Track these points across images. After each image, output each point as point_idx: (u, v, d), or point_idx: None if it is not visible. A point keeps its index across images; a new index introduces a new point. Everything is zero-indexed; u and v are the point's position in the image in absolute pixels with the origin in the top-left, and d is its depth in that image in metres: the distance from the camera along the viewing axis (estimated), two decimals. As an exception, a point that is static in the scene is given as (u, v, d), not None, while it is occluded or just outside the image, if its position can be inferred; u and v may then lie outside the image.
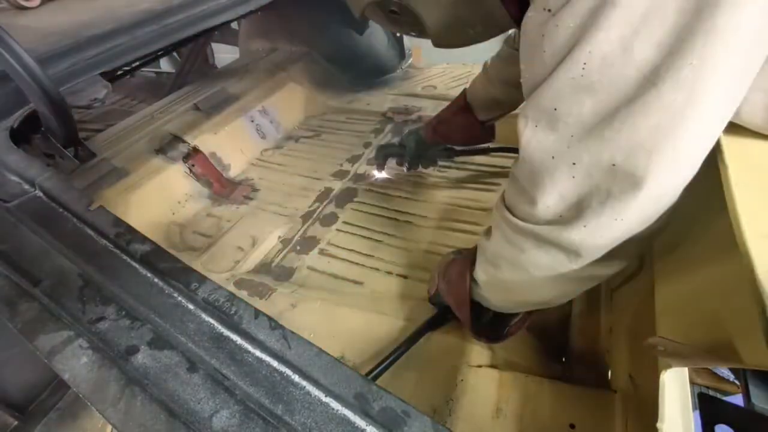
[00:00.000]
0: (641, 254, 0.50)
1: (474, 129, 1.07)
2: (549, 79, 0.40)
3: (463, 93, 1.08)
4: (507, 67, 0.95)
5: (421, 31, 0.66)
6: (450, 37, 0.66)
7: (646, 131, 0.37)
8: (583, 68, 0.37)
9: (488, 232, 0.60)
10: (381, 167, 1.26)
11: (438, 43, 0.67)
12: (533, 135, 0.43)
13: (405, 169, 1.22)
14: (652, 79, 0.35)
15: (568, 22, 0.37)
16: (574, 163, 0.41)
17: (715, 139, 0.39)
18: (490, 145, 1.17)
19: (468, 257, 0.68)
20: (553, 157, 0.42)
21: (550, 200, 0.44)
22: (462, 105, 1.06)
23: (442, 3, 0.60)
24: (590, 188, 0.41)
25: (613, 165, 0.39)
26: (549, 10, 0.38)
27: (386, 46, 1.70)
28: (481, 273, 0.63)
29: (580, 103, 0.39)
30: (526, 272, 0.53)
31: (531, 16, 0.41)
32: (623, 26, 0.34)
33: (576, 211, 0.43)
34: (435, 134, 1.13)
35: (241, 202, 1.25)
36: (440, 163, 1.26)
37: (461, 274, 0.68)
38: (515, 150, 1.33)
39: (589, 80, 0.37)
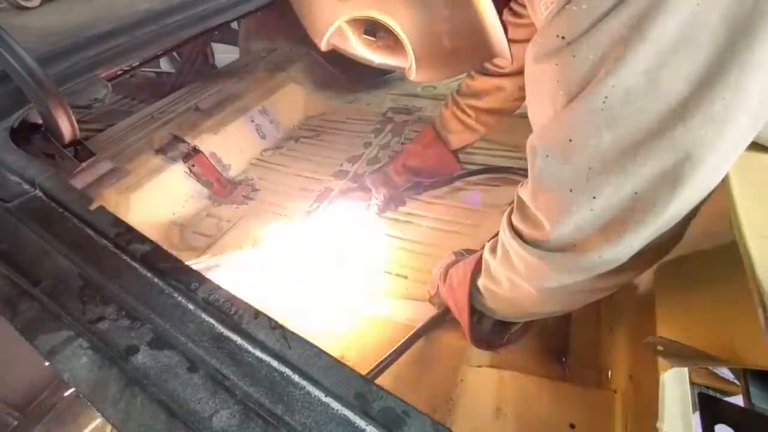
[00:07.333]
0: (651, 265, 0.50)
1: (446, 159, 1.06)
2: (564, 110, 0.39)
3: (431, 125, 1.05)
4: (478, 92, 0.94)
5: (398, 58, 0.56)
6: (432, 64, 0.57)
7: (671, 165, 0.36)
8: (605, 101, 0.35)
9: (494, 250, 0.58)
10: (349, 212, 1.14)
11: (418, 74, 0.57)
12: (546, 166, 0.42)
13: (374, 213, 1.12)
14: (680, 113, 0.34)
15: (587, 53, 0.35)
16: (594, 197, 0.40)
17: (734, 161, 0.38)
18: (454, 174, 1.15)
19: (470, 263, 0.67)
20: (571, 190, 0.41)
21: (565, 230, 0.43)
22: (432, 136, 1.04)
23: (427, 17, 0.51)
24: (608, 220, 0.41)
25: (635, 194, 0.38)
26: (563, 38, 0.36)
27: (386, 46, 1.69)
28: (484, 287, 0.63)
29: (599, 135, 0.37)
30: (532, 291, 0.52)
31: (540, 43, 0.39)
32: (651, 59, 0.33)
33: (592, 242, 0.43)
34: (405, 170, 1.08)
35: (241, 202, 1.25)
36: (408, 201, 1.16)
37: (462, 280, 0.68)
38: (483, 171, 1.31)
39: (610, 113, 0.36)
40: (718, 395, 0.70)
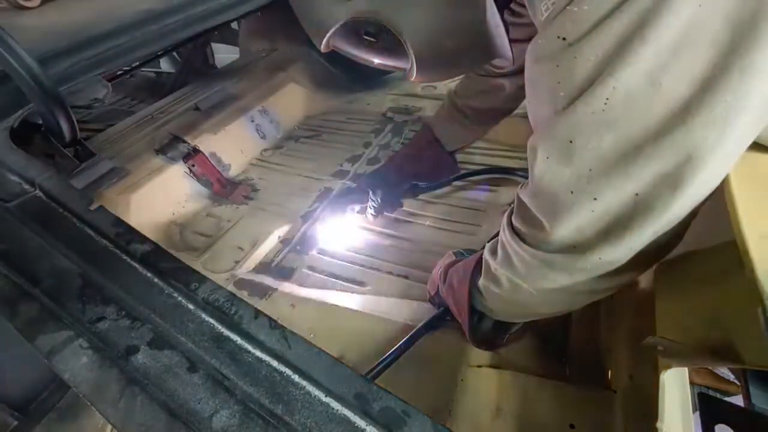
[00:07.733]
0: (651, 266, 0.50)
1: (444, 160, 1.05)
2: (565, 111, 0.38)
3: (428, 126, 1.04)
4: (476, 92, 0.93)
5: (398, 59, 0.55)
6: (433, 65, 0.56)
7: (672, 167, 0.36)
8: (606, 103, 0.35)
9: (494, 251, 0.58)
10: (342, 217, 1.13)
11: (418, 75, 0.56)
12: (547, 168, 0.42)
13: (371, 216, 1.09)
14: (681, 115, 0.34)
15: (588, 55, 0.35)
16: (595, 199, 0.40)
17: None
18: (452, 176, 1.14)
19: (470, 264, 0.67)
20: (572, 192, 0.41)
21: (566, 232, 0.43)
22: (429, 138, 1.03)
23: (428, 18, 0.51)
24: (609, 222, 0.41)
25: (636, 196, 0.38)
26: (564, 39, 0.36)
27: (386, 46, 1.69)
28: (484, 287, 0.62)
29: (600, 137, 0.37)
30: (532, 291, 0.52)
31: (541, 44, 0.39)
32: (652, 61, 0.33)
33: (592, 243, 0.43)
34: (402, 173, 1.08)
35: (241, 202, 1.25)
36: (408, 201, 1.13)
37: (462, 281, 0.67)
38: (483, 172, 1.30)
39: (611, 115, 0.36)
40: (718, 395, 0.71)
